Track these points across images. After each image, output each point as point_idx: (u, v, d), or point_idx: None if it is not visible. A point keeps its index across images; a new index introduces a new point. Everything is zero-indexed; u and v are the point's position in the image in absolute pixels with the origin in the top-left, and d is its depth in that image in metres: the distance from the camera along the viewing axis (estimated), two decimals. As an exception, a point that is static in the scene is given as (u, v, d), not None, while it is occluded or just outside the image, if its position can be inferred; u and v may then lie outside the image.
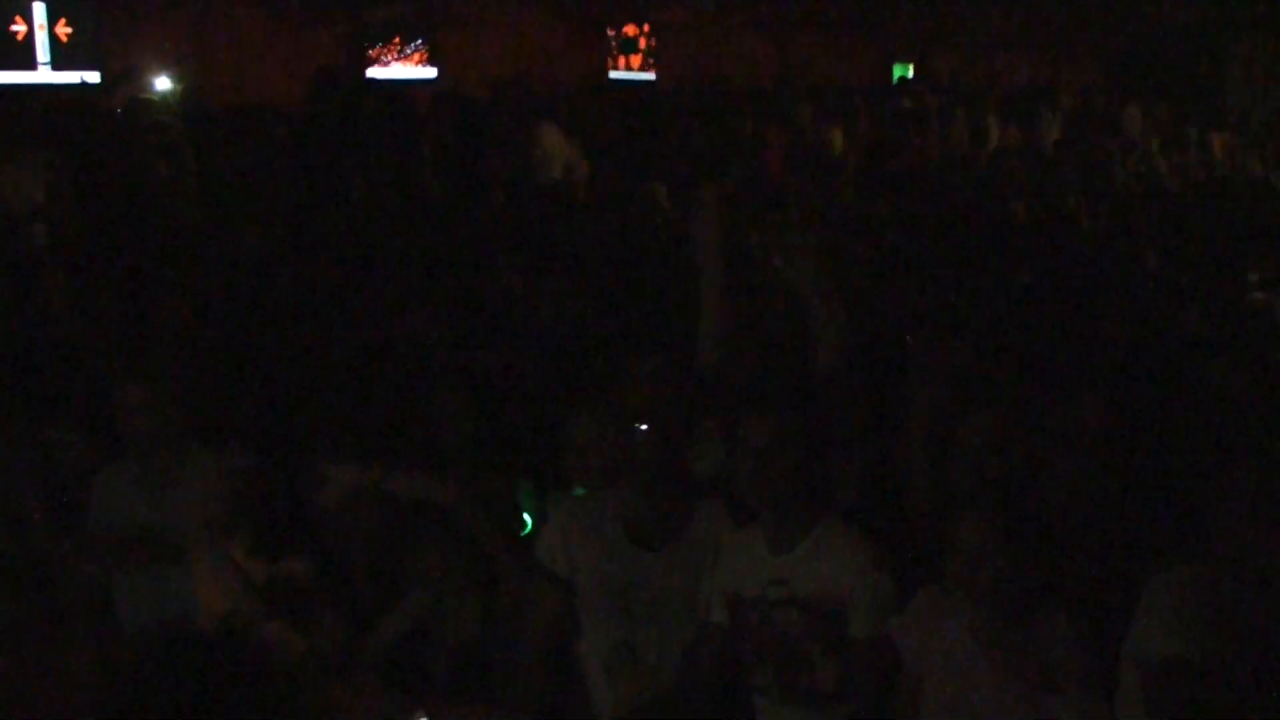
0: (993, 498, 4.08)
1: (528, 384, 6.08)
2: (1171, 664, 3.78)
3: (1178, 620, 3.81)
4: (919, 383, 4.86)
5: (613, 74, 17.81)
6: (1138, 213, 9.33)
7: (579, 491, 5.07)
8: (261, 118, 10.49)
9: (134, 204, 8.64)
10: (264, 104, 11.22)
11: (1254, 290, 7.71)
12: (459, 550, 4.81)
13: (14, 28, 13.01)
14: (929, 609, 4.22)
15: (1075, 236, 8.64)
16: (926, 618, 4.21)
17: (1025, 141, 13.50)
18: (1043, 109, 14.69)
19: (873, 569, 4.29)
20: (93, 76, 12.23)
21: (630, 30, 17.93)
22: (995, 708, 4.05)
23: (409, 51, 15.71)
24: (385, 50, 15.49)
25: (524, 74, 12.91)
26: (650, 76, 18.13)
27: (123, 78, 10.55)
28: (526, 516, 5.21)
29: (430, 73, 15.84)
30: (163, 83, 13.32)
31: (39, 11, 13.12)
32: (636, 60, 18.06)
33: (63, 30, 13.27)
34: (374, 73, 15.41)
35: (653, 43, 18.14)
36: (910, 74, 19.51)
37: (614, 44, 17.84)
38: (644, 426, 4.52)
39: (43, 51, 13.18)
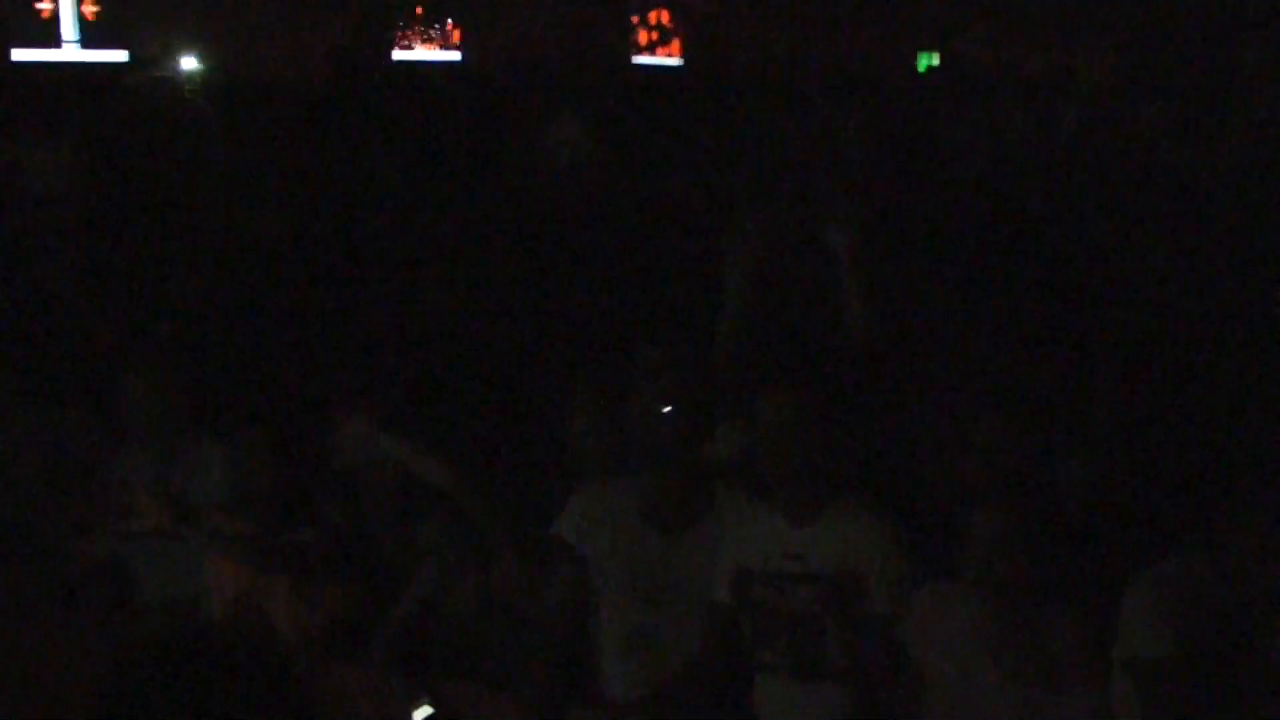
0: (1009, 491, 4.10)
1: (539, 370, 6.10)
2: (1162, 665, 3.80)
3: (1163, 620, 3.83)
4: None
5: (636, 60, 17.80)
6: (1155, 204, 9.30)
7: None
8: (282, 98, 10.50)
9: (155, 185, 8.66)
10: (287, 85, 11.24)
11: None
12: (458, 528, 4.84)
13: (40, 4, 13.07)
14: (934, 602, 4.24)
15: (1091, 227, 8.60)
16: (932, 610, 4.23)
17: (1044, 130, 13.42)
18: (1062, 97, 14.61)
19: (892, 545, 4.32)
20: (119, 55, 12.27)
21: (653, 17, 17.93)
22: (997, 703, 4.07)
23: (431, 35, 15.72)
24: (407, 33, 15.51)
25: (545, 58, 12.88)
26: (675, 61, 18.12)
27: (152, 59, 10.55)
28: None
29: (453, 56, 15.86)
30: (188, 62, 13.38)
31: (67, -11, 13.21)
32: (660, 46, 18.06)
33: (90, 8, 13.33)
34: (396, 55, 15.43)
35: (676, 28, 18.13)
36: (936, 62, 19.43)
37: (638, 30, 17.83)
38: (664, 411, 4.55)
39: (69, 29, 13.24)
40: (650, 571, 4.61)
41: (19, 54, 12.95)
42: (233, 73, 11.05)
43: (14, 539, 5.60)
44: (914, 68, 19.45)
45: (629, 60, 17.59)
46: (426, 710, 4.33)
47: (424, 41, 15.68)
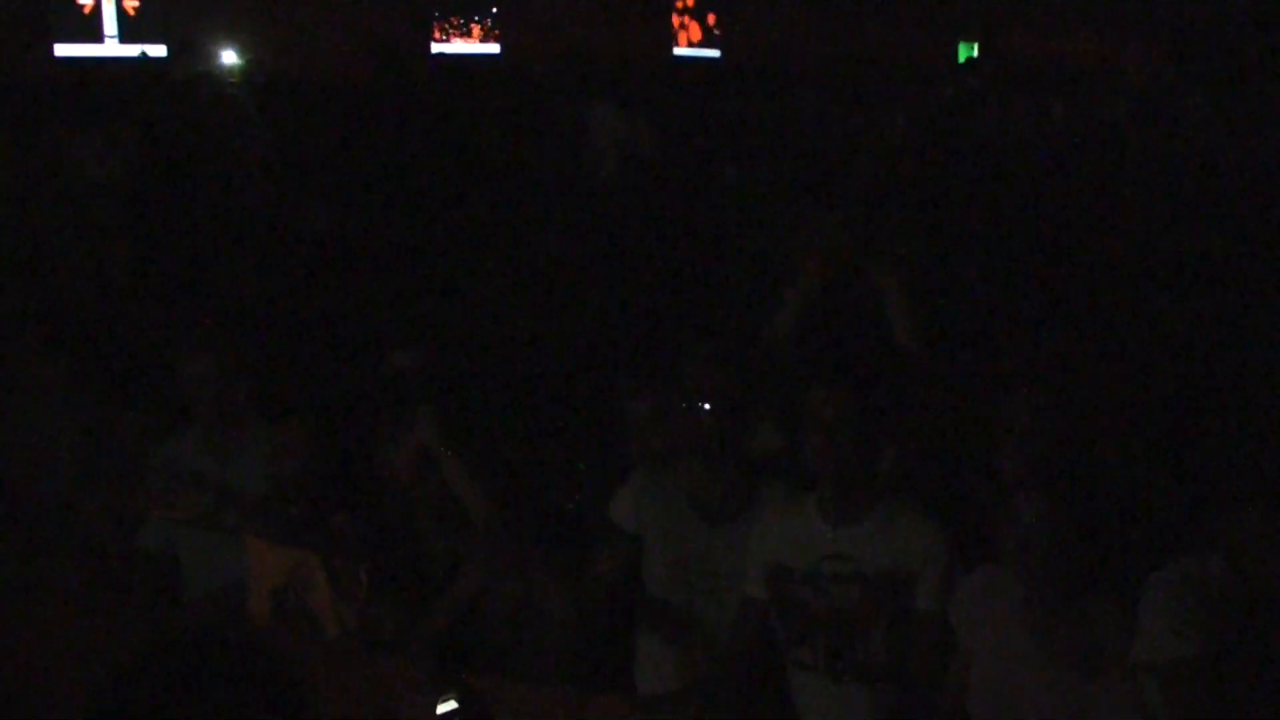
0: (1049, 476, 4.07)
1: (585, 363, 6.10)
2: (1180, 666, 3.78)
3: (1180, 620, 3.81)
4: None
5: (677, 51, 17.79)
6: (1201, 195, 9.25)
7: None
8: (326, 91, 10.53)
9: (201, 176, 8.69)
10: (329, 78, 11.26)
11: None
12: (501, 537, 4.88)
13: (80, 0, 13.14)
14: (981, 588, 4.21)
15: (1136, 219, 8.55)
16: (979, 597, 4.21)
17: (1089, 123, 13.35)
18: (1107, 90, 14.55)
19: (941, 543, 4.29)
20: (157, 50, 12.31)
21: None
22: (1040, 689, 4.04)
23: (472, 28, 15.73)
24: (449, 26, 15.52)
25: (586, 50, 12.87)
26: (715, 54, 18.10)
27: (185, 50, 10.57)
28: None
29: (493, 48, 15.87)
30: (229, 56, 13.42)
31: (107, -15, 13.26)
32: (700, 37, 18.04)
33: (130, 3, 13.38)
34: (438, 48, 15.44)
35: (718, 20, 18.12)
36: (976, 53, 19.37)
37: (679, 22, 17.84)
38: (707, 406, 4.53)
39: (110, 24, 13.30)
40: (693, 556, 4.62)
41: (61, 49, 13.02)
42: (273, 66, 11.05)
43: (59, 527, 5.62)
44: (954, 59, 19.42)
45: (670, 52, 17.58)
46: (451, 705, 4.31)
47: (463, 35, 15.67)
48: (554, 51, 12.57)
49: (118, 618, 4.94)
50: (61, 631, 4.83)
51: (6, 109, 9.24)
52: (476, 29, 15.83)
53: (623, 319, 6.54)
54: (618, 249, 7.18)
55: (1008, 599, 4.11)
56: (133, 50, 12.81)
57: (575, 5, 16.32)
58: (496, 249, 7.54)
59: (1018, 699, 4.09)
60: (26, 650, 4.79)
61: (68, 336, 5.98)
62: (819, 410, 4.31)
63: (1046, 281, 6.77)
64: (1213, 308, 6.50)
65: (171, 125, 9.19)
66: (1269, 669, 3.78)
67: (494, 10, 15.92)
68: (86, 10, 13.15)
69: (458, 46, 15.64)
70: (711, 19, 18.15)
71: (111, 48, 13.21)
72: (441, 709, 4.30)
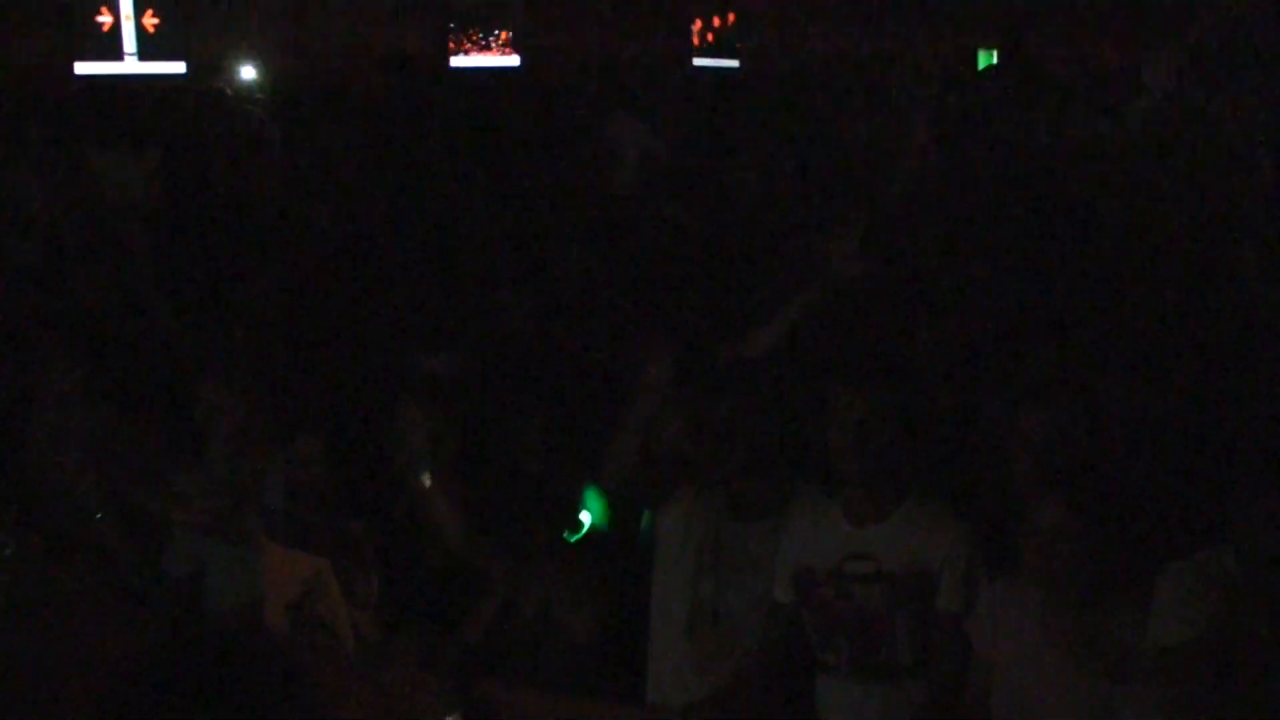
0: (1068, 483, 4.05)
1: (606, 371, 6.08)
2: (1183, 649, 3.79)
3: (1188, 608, 3.83)
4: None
5: (696, 61, 17.80)
6: (1227, 204, 9.22)
7: None
8: (344, 105, 10.54)
9: (221, 194, 8.72)
10: (348, 93, 11.27)
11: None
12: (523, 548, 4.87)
13: (99, 19, 13.19)
14: (1001, 596, 4.21)
15: (1161, 229, 8.52)
16: (998, 605, 4.21)
17: (1112, 130, 13.31)
18: (1130, 96, 14.50)
19: (964, 543, 4.29)
20: (177, 67, 12.37)
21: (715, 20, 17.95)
22: (1063, 696, 4.04)
23: (491, 41, 15.75)
24: (468, 39, 15.55)
25: (605, 61, 12.88)
26: (734, 63, 18.10)
27: (209, 69, 10.62)
28: (584, 517, 5.21)
29: (512, 61, 15.89)
30: (248, 72, 13.46)
31: (126, 3, 13.30)
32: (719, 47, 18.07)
33: (149, 21, 13.44)
34: (456, 62, 15.47)
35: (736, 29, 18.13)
36: (995, 60, 19.33)
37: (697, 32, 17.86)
38: (734, 405, 4.56)
39: (129, 42, 13.36)
40: (723, 551, 4.62)
41: (82, 67, 13.08)
42: (292, 82, 11.08)
43: (75, 538, 5.63)
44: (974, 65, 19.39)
45: (689, 62, 17.59)
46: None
47: (482, 48, 15.69)
48: (573, 63, 12.60)
49: (135, 629, 4.94)
50: (78, 642, 4.83)
51: (30, 126, 9.27)
52: (495, 42, 15.85)
53: (642, 326, 6.52)
54: (637, 257, 7.15)
55: (1027, 607, 4.11)
56: (152, 68, 12.87)
57: (594, 17, 16.33)
58: (515, 258, 7.54)
59: (1043, 706, 4.08)
60: (43, 660, 4.78)
61: (88, 350, 6.00)
62: (845, 411, 4.31)
63: (1065, 286, 6.74)
64: (1227, 306, 6.49)
65: (190, 144, 9.22)
66: (1271, 665, 3.76)
67: (513, 23, 15.94)
68: (106, 29, 13.21)
69: (477, 60, 15.66)
70: (729, 19, 18.14)
71: (131, 65, 13.26)
72: None
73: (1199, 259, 7.52)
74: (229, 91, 11.68)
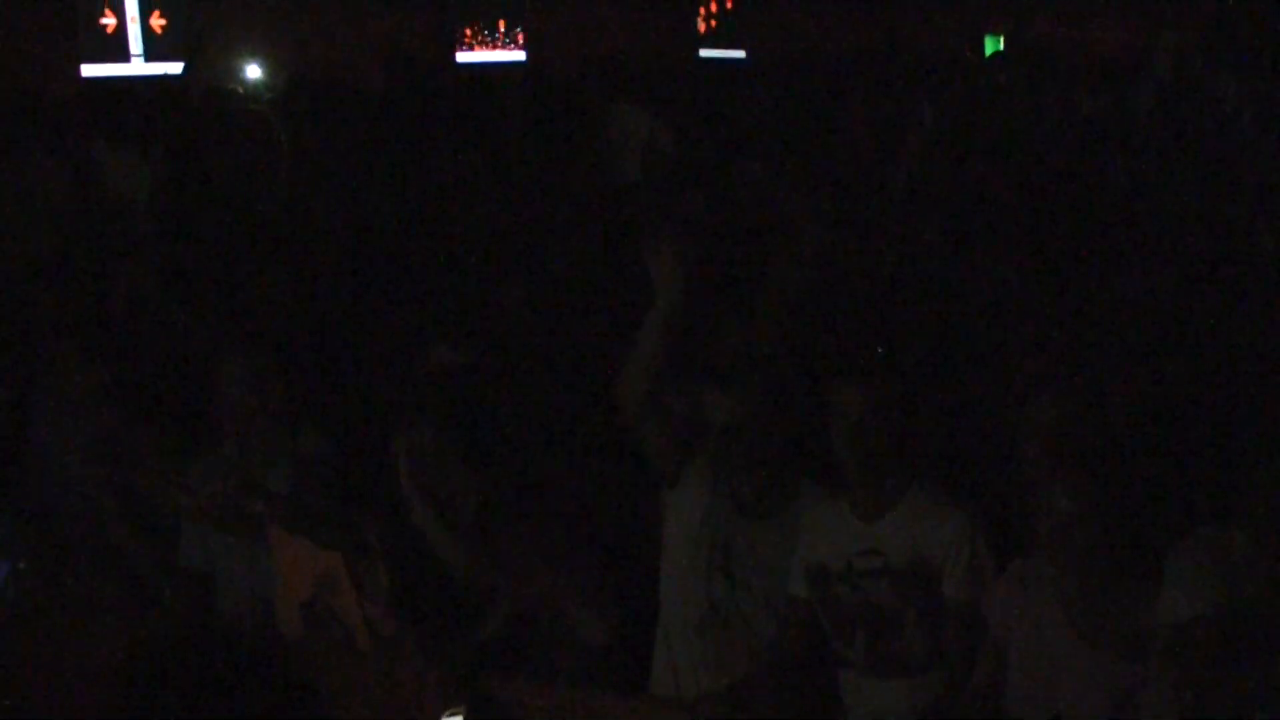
0: (1082, 466, 4.07)
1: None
2: (1193, 625, 3.81)
3: (1197, 585, 3.86)
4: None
5: (703, 52, 17.76)
6: (1237, 185, 9.19)
7: None
8: (349, 101, 10.53)
9: (226, 193, 8.72)
10: (354, 89, 11.26)
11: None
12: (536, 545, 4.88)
13: (104, 20, 13.18)
14: (1014, 580, 4.24)
15: (1171, 214, 8.50)
16: (1012, 589, 4.23)
17: (1119, 113, 13.26)
18: (1137, 78, 14.43)
19: (967, 532, 4.33)
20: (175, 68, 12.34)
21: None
22: (1079, 677, 4.07)
23: (497, 35, 15.73)
24: (473, 34, 15.52)
25: (611, 53, 12.86)
26: (740, 54, 18.06)
27: (193, 60, 10.53)
28: None
29: (518, 55, 15.86)
30: (253, 70, 13.45)
31: (131, 4, 13.29)
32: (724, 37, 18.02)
33: (157, 22, 13.43)
34: (463, 57, 15.45)
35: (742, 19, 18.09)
36: (1002, 46, 19.28)
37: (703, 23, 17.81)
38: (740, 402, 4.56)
39: (135, 43, 13.35)
40: (732, 550, 4.65)
41: (88, 69, 13.08)
42: (298, 80, 11.05)
43: (86, 540, 5.65)
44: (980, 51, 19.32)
45: (695, 53, 17.55)
46: (458, 718, 4.31)
47: (488, 43, 15.67)
48: (579, 56, 12.57)
49: (148, 631, 4.95)
50: (91, 647, 4.84)
51: (37, 128, 9.28)
52: (501, 36, 15.83)
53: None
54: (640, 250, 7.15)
55: (1043, 591, 4.14)
56: (159, 69, 12.86)
57: (600, 9, 16.30)
58: (520, 251, 7.54)
59: (1060, 690, 4.11)
60: (57, 665, 4.79)
61: (95, 349, 6.01)
62: (844, 406, 4.32)
63: (1071, 270, 6.74)
64: (1236, 286, 6.48)
65: (193, 143, 9.22)
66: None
67: (519, 17, 15.92)
68: (110, 30, 13.20)
69: (483, 55, 15.63)
70: (728, 4, 18.09)
71: (138, 66, 13.25)
72: None
73: (1207, 240, 7.53)
74: (240, 90, 11.68)
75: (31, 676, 4.78)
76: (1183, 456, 4.86)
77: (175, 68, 10.87)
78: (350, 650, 4.92)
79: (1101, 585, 4.05)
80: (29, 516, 5.78)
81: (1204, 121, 11.99)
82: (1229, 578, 3.86)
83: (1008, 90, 12.99)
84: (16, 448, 6.13)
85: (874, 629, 4.33)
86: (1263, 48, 16.17)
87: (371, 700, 4.50)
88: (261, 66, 13.40)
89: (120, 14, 13.26)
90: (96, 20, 13.16)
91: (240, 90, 11.73)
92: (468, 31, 15.64)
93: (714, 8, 18.02)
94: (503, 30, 15.84)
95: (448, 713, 4.28)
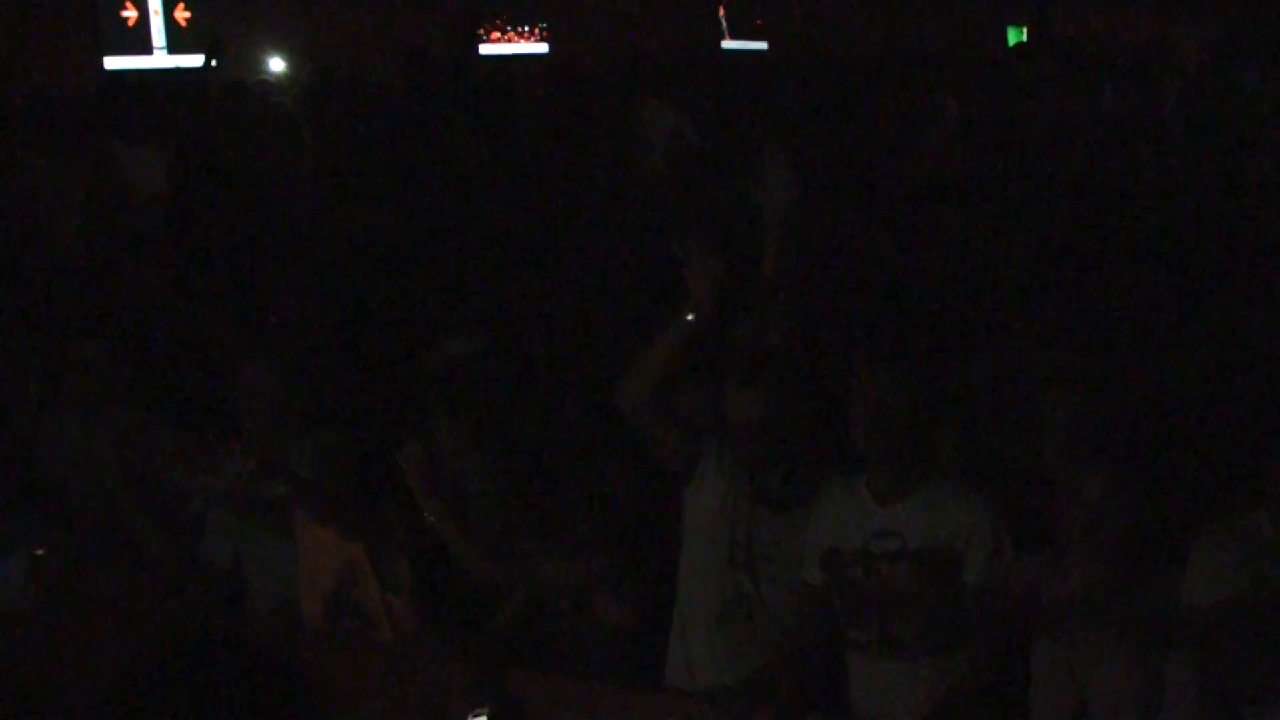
0: (1114, 454, 4.10)
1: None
2: (1218, 608, 3.83)
3: (1221, 569, 3.88)
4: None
5: (725, 45, 17.76)
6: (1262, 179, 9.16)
7: None
8: (371, 95, 10.54)
9: (247, 186, 8.72)
10: (376, 82, 11.27)
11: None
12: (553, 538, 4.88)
13: (125, 13, 13.23)
14: (1039, 567, 4.24)
15: (1193, 208, 8.48)
16: (1036, 576, 4.23)
17: (1142, 107, 13.21)
18: (1161, 71, 14.38)
19: (988, 517, 4.30)
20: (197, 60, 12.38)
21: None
22: (1108, 664, 4.08)
23: (520, 29, 15.74)
24: (496, 26, 15.54)
25: (634, 46, 12.85)
26: (762, 46, 18.05)
27: (211, 54, 10.54)
28: None
29: (541, 48, 15.87)
30: (276, 63, 13.47)
31: (154, -4, 13.35)
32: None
33: (181, 15, 13.47)
34: (486, 50, 15.46)
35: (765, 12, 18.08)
36: (1025, 38, 19.24)
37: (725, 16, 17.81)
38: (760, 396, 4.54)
39: (158, 36, 13.39)
40: (757, 543, 4.62)
41: (111, 61, 13.12)
42: (320, 74, 11.06)
43: (107, 538, 5.66)
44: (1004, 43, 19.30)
45: (719, 46, 17.55)
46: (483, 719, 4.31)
47: (511, 35, 15.68)
48: (602, 48, 12.57)
49: (169, 627, 4.96)
50: (113, 642, 4.85)
51: (60, 122, 9.30)
52: (524, 28, 15.84)
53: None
54: (665, 243, 7.14)
55: (1069, 578, 4.14)
56: (182, 61, 12.89)
57: (623, 2, 16.30)
58: (543, 245, 7.54)
59: (1087, 678, 4.13)
60: (76, 661, 4.80)
61: (117, 348, 6.03)
62: (865, 390, 4.32)
63: (1094, 258, 6.74)
64: (1261, 274, 6.47)
65: (213, 137, 9.23)
66: None
67: (542, 10, 15.93)
68: (133, 23, 13.25)
69: (505, 48, 15.65)
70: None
71: (161, 59, 13.30)
72: None
73: (1231, 231, 7.51)
74: (262, 84, 11.70)
75: (54, 669, 4.79)
76: (1208, 443, 4.85)
77: (197, 60, 10.89)
78: (372, 643, 4.93)
79: (1130, 573, 4.05)
80: (52, 512, 5.80)
81: (1228, 114, 11.93)
82: (1253, 562, 3.87)
83: (1031, 84, 12.95)
84: (39, 443, 6.13)
85: (888, 613, 4.33)
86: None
87: (392, 694, 4.50)
88: (283, 60, 13.42)
89: (143, 7, 13.30)
90: (118, 13, 13.20)
91: (262, 84, 11.74)
92: (490, 24, 15.65)
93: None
94: (525, 23, 15.85)
95: (473, 714, 4.28)
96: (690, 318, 4.49)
